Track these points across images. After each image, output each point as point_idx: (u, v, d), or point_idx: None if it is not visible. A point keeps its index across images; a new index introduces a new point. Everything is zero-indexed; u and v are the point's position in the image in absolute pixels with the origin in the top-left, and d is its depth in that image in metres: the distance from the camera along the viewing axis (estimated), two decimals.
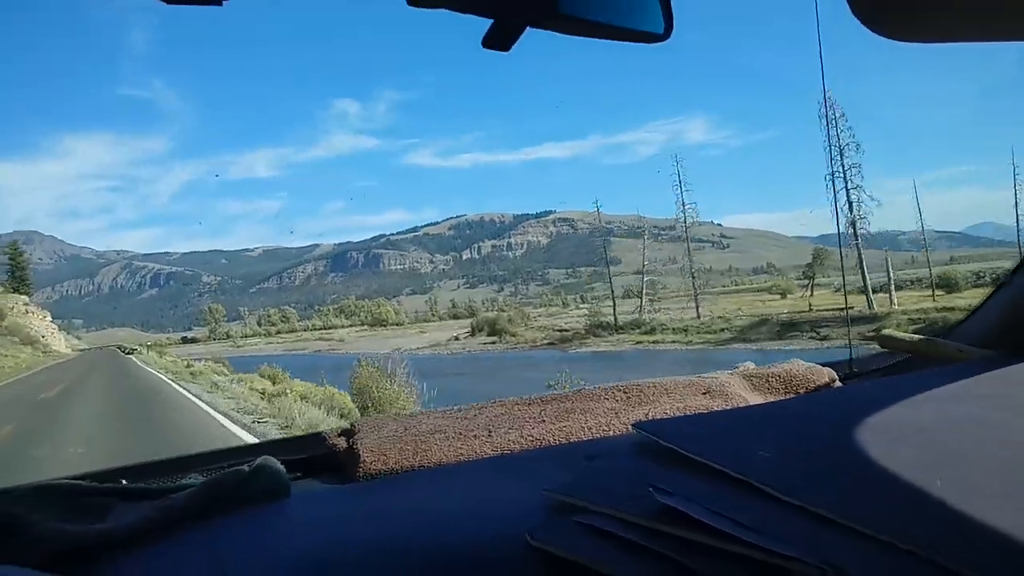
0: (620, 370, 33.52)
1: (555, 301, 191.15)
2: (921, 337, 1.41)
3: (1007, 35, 0.65)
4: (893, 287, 43.63)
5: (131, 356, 57.38)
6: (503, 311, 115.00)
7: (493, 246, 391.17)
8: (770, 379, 1.32)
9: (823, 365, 1.38)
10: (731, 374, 1.36)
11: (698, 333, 44.86)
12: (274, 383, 19.62)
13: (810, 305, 47.15)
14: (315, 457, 1.14)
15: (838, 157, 45.02)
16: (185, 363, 33.07)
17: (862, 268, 44.20)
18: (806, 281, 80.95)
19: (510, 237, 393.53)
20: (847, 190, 45.50)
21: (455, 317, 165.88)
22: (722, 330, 43.66)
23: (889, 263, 43.97)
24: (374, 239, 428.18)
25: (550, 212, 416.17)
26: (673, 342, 44.59)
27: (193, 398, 17.18)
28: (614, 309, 58.61)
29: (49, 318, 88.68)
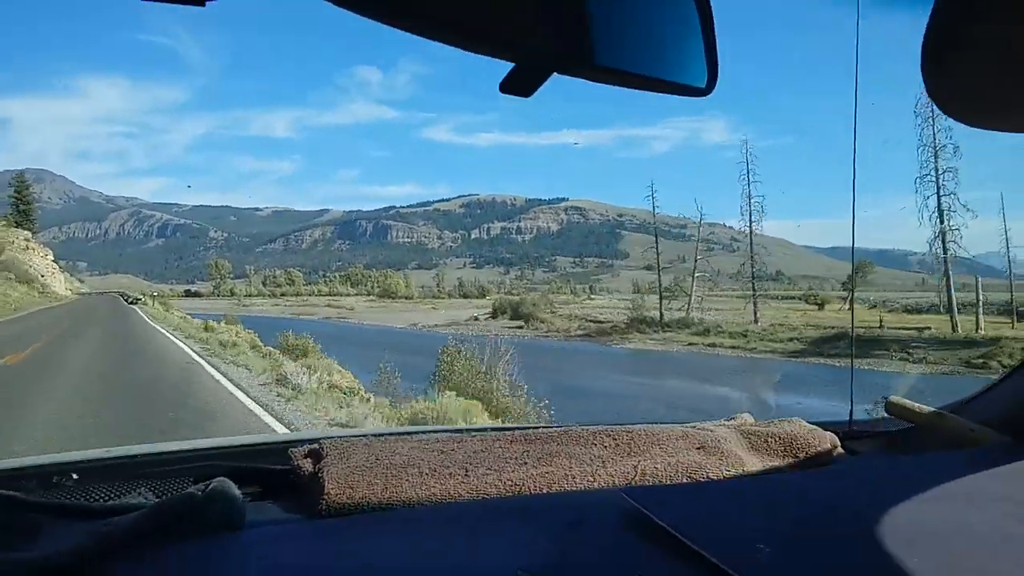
0: (681, 375, 29.61)
1: (564, 289, 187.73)
2: (931, 410, 1.38)
3: None
4: (981, 310, 39.26)
5: (135, 306, 53.70)
6: (512, 293, 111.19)
7: (503, 228, 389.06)
8: (769, 439, 1.25)
9: (823, 425, 1.34)
10: (728, 428, 1.30)
11: (761, 340, 40.52)
12: (354, 392, 11.47)
13: (880, 321, 42.96)
14: (276, 472, 1.10)
15: (931, 158, 40.44)
16: (203, 325, 28.17)
17: (948, 287, 39.80)
18: (844, 293, 77.23)
19: (520, 221, 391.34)
20: (938, 197, 40.88)
21: (465, 296, 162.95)
22: (790, 339, 39.46)
23: (979, 284, 39.49)
24: (384, 210, 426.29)
25: (563, 199, 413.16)
26: (733, 348, 40.44)
27: (269, 418, 9.23)
28: (660, 304, 54.48)
29: (51, 257, 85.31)
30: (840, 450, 1.27)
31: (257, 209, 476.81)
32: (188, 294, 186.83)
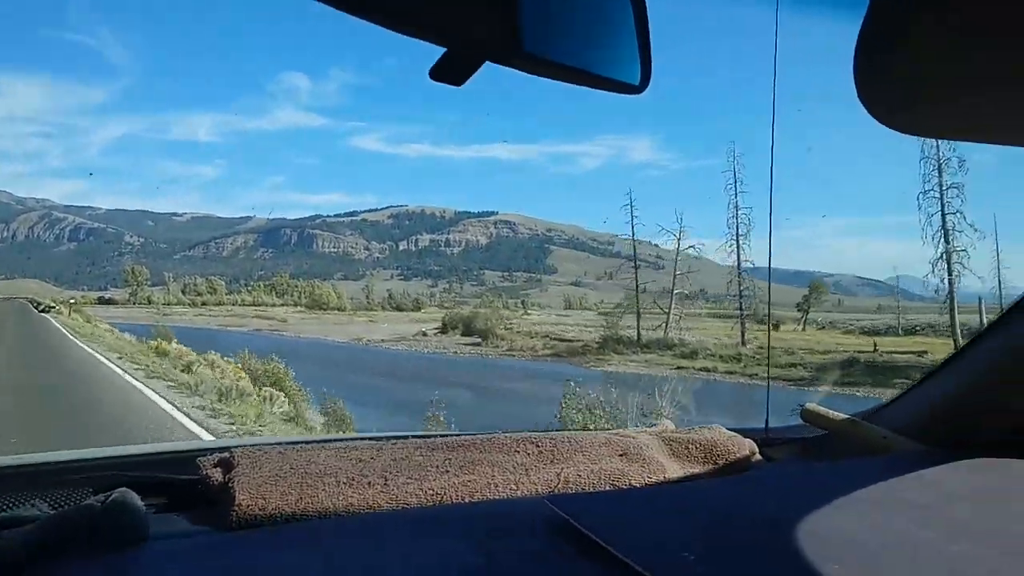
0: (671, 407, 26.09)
1: (496, 303, 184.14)
2: (845, 417, 1.43)
3: (1013, 140, 0.63)
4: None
5: (47, 316, 47.69)
6: (446, 307, 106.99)
7: (431, 240, 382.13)
8: (690, 446, 1.28)
9: (741, 433, 1.38)
10: (650, 435, 1.32)
11: (759, 365, 37.29)
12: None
13: (875, 345, 40.64)
14: (183, 482, 1.05)
15: (935, 173, 38.22)
16: (153, 345, 22.52)
17: (952, 307, 37.73)
18: (799, 314, 75.98)
19: (449, 233, 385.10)
20: (943, 215, 38.50)
21: (398, 308, 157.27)
22: (790, 365, 36.14)
23: (982, 306, 37.56)
24: (310, 218, 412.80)
25: (492, 213, 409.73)
26: (729, 372, 37.24)
27: None
28: (637, 322, 51.16)
29: None
30: (758, 456, 1.31)
31: (176, 214, 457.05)
32: (101, 301, 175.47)
